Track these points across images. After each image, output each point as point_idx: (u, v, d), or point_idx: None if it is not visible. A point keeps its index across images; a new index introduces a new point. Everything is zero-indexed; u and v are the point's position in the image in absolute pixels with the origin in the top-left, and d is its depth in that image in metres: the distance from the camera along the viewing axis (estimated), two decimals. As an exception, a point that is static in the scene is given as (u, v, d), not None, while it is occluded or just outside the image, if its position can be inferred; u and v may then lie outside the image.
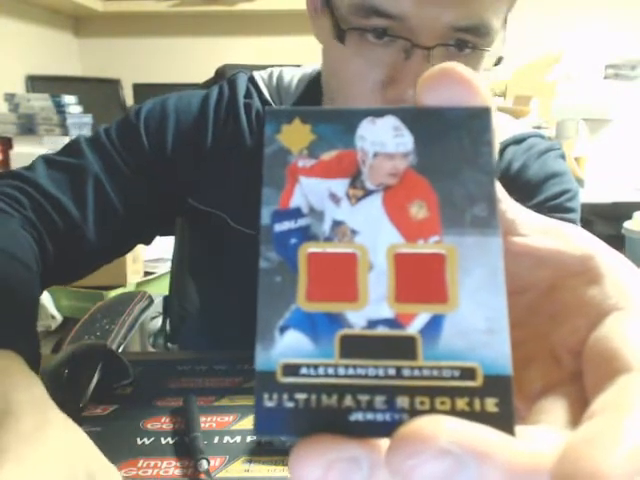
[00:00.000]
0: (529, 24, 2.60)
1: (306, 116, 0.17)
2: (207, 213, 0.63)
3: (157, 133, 0.62)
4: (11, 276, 0.49)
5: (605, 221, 2.09)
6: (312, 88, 0.62)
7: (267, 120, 0.17)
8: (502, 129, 0.64)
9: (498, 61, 0.54)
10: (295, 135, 0.16)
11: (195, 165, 0.62)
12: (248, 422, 0.48)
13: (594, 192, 2.02)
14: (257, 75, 0.65)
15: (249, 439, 0.46)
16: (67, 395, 0.49)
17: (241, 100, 0.62)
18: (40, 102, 1.80)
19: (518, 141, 0.63)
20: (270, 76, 0.65)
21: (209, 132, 0.62)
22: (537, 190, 0.61)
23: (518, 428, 0.14)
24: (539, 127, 2.32)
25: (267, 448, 0.44)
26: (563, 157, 0.66)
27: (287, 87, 0.64)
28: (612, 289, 0.17)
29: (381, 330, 0.15)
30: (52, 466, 0.35)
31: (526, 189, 0.60)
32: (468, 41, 0.50)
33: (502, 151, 0.62)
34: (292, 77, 0.65)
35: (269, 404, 0.15)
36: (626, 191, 2.04)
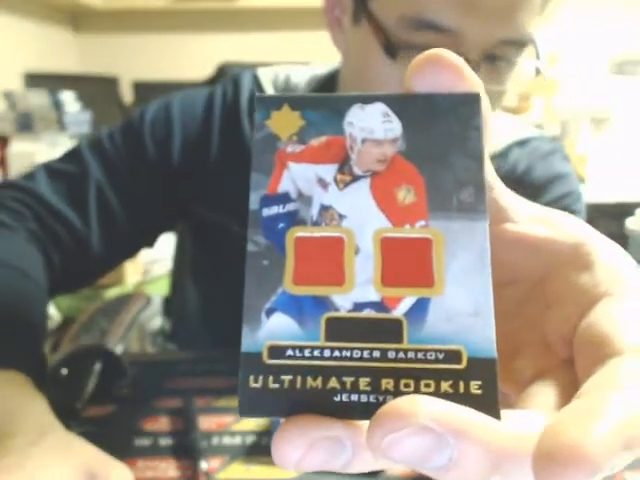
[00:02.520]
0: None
1: (295, 102, 0.17)
2: (211, 218, 0.63)
3: (163, 141, 0.61)
4: (22, 294, 0.49)
5: (608, 220, 2.09)
6: (323, 91, 0.61)
7: (257, 106, 0.17)
8: (505, 130, 0.64)
9: (537, 71, 0.54)
10: (284, 121, 0.17)
11: (200, 173, 0.62)
12: (247, 423, 0.48)
13: (597, 190, 2.02)
14: (262, 75, 0.64)
15: (249, 440, 0.45)
16: (65, 395, 0.49)
17: (244, 103, 0.61)
18: (38, 99, 1.79)
19: (522, 143, 0.63)
20: (276, 76, 0.64)
21: (214, 138, 0.61)
22: (542, 191, 0.61)
23: (504, 412, 0.14)
24: (541, 126, 2.32)
25: (266, 449, 0.44)
26: (567, 158, 0.66)
27: (294, 89, 0.63)
28: (603, 275, 0.17)
29: (367, 313, 0.15)
30: (51, 469, 0.35)
31: (531, 190, 0.60)
32: (510, 53, 0.50)
33: (506, 153, 0.62)
34: (300, 78, 0.64)
35: (254, 385, 0.15)
36: (629, 189, 2.03)
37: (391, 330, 0.15)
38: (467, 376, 0.15)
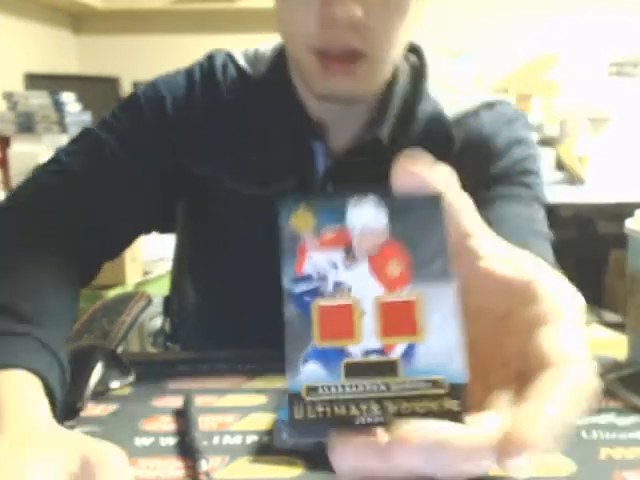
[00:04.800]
0: (531, 22, 2.60)
1: (308, 202, 0.23)
2: (204, 181, 0.66)
3: (157, 105, 0.65)
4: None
5: (609, 220, 2.08)
6: (282, 54, 0.65)
7: (279, 209, 0.23)
8: (474, 94, 0.70)
9: None
10: (301, 220, 0.23)
11: (190, 139, 0.65)
12: (248, 422, 0.48)
13: (597, 191, 2.01)
14: (234, 50, 0.70)
15: (249, 439, 0.45)
16: (66, 395, 0.49)
17: (219, 69, 0.66)
18: (39, 100, 1.80)
19: (490, 105, 0.66)
20: (246, 50, 0.70)
21: (198, 104, 0.65)
22: (503, 154, 0.64)
23: (472, 416, 0.21)
24: (540, 126, 2.32)
25: (267, 448, 0.44)
26: (530, 126, 0.71)
27: (262, 54, 0.68)
28: (548, 308, 0.24)
29: (373, 357, 0.22)
30: (44, 458, 0.34)
31: (494, 152, 0.65)
32: None
33: (477, 112, 0.65)
34: (267, 48, 0.69)
35: (298, 416, 0.21)
36: (629, 190, 2.03)
37: (390, 368, 0.22)
38: (448, 397, 0.21)
